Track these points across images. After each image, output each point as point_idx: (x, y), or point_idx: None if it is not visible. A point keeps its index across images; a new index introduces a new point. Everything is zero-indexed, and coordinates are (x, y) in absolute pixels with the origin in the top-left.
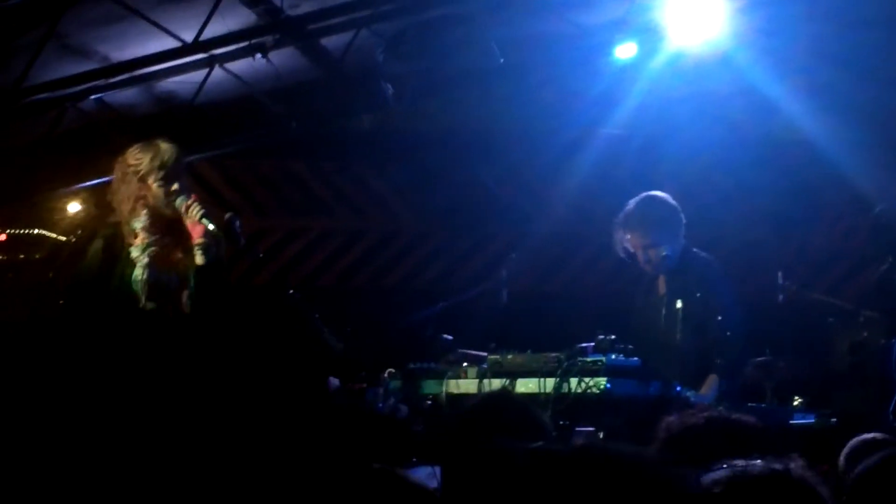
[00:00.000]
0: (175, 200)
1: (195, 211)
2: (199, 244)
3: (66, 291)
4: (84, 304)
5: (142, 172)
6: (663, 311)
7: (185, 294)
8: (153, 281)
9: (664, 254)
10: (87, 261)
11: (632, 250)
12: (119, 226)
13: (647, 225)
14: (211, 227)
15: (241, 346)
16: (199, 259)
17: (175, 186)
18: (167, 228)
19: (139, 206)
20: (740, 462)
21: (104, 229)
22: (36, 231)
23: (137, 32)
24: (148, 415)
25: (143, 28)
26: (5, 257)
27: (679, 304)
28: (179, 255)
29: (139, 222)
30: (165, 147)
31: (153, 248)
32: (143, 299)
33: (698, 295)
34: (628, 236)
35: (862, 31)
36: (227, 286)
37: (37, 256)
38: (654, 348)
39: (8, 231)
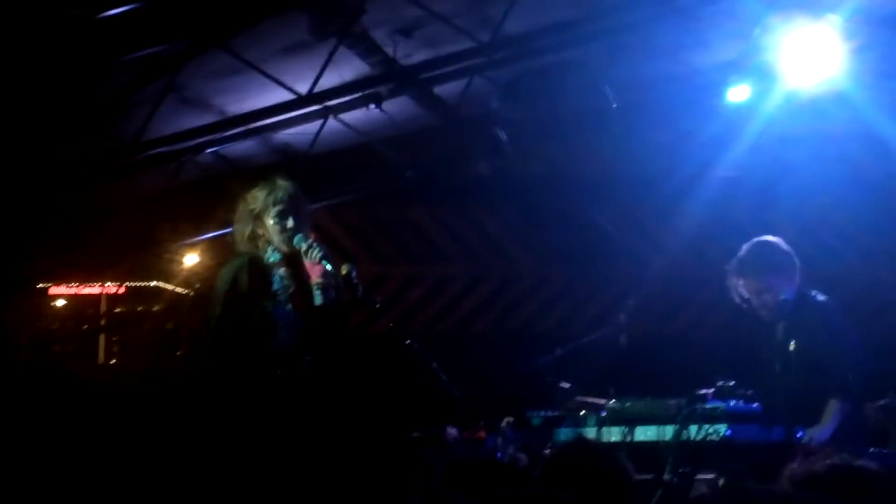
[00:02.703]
0: (293, 238)
1: (315, 252)
2: (317, 284)
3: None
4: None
5: (257, 210)
6: (780, 354)
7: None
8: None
9: (781, 298)
10: (238, 286)
11: (746, 296)
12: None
13: (761, 270)
14: (329, 267)
15: (358, 395)
16: (317, 300)
17: (290, 223)
18: (290, 266)
19: (260, 244)
20: None
21: (238, 258)
22: (154, 283)
23: (253, 85)
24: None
25: (258, 81)
26: (124, 308)
27: (792, 346)
28: (298, 295)
29: (273, 257)
30: (281, 184)
31: (290, 285)
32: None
33: (813, 336)
34: (742, 282)
35: None
36: (344, 330)
37: (155, 308)
38: (774, 392)
39: (127, 283)
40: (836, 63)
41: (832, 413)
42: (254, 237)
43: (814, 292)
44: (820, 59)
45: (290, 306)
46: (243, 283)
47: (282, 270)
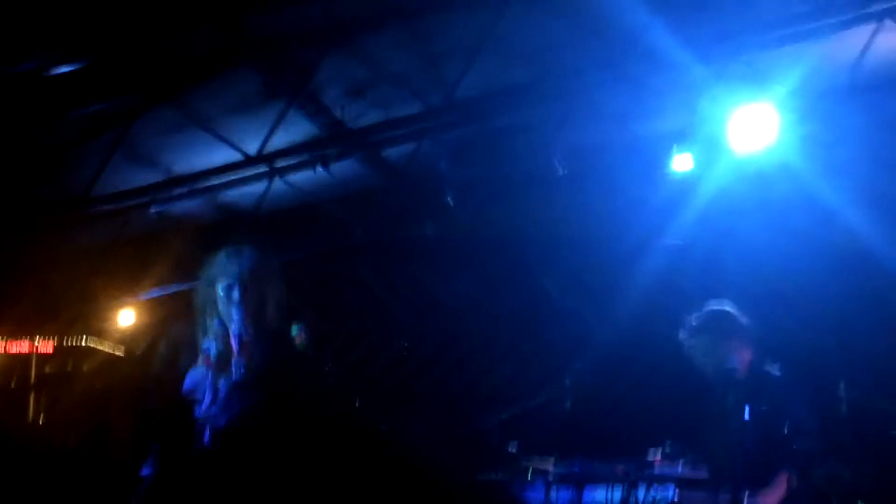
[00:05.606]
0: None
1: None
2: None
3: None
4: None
5: (213, 279)
6: (729, 421)
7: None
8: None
9: (730, 365)
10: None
11: (702, 359)
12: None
13: (714, 334)
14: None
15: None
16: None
17: (236, 296)
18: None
19: (212, 315)
20: None
21: (170, 338)
22: (85, 342)
23: (201, 142)
24: None
25: (206, 139)
26: (53, 369)
27: (746, 415)
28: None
29: (209, 343)
30: (247, 254)
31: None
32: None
33: (768, 408)
34: (695, 343)
35: None
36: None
37: (85, 368)
38: (720, 455)
39: (58, 340)
40: (779, 133)
41: (781, 483)
42: (211, 304)
43: (767, 365)
44: (764, 130)
45: (223, 377)
46: (171, 358)
47: (213, 345)
